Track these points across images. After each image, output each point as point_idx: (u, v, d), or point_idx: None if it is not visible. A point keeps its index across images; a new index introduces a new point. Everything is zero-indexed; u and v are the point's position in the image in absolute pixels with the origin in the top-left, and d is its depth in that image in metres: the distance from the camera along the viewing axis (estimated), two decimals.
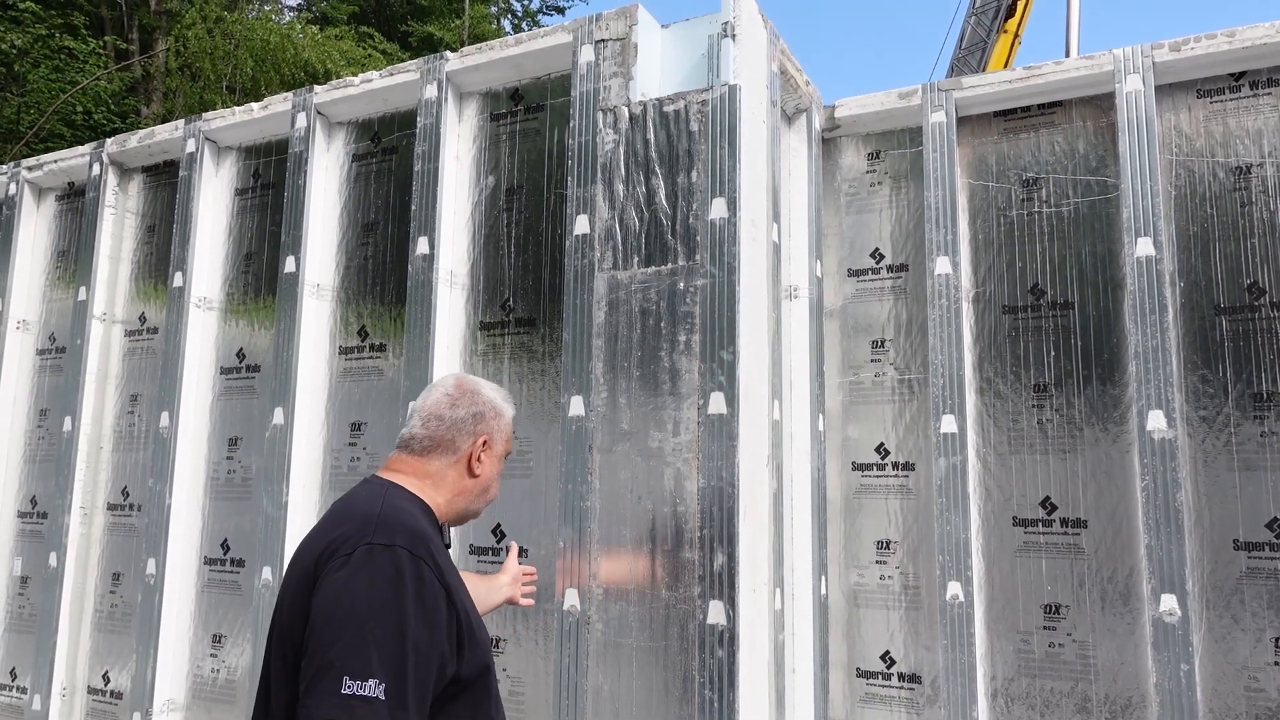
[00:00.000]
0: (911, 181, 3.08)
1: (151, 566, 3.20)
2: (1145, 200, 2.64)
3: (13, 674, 3.61)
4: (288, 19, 16.23)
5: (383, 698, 1.39)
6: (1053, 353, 2.78)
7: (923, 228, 2.95)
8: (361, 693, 1.39)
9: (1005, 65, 11.89)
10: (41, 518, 3.66)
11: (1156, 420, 2.52)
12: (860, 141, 3.20)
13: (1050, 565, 2.68)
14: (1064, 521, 2.68)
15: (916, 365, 2.97)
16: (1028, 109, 2.95)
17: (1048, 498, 2.71)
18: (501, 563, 2.29)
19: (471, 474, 1.76)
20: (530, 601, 2.19)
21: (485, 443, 1.77)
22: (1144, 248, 2.61)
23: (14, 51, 12.53)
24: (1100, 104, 2.84)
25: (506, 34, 2.73)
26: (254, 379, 3.29)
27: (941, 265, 2.86)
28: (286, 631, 1.54)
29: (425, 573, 1.51)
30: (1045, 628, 2.65)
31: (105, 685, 3.38)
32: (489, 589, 2.10)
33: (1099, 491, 2.65)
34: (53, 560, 3.45)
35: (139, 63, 14.10)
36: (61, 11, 13.47)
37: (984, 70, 11.96)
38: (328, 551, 1.54)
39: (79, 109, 12.69)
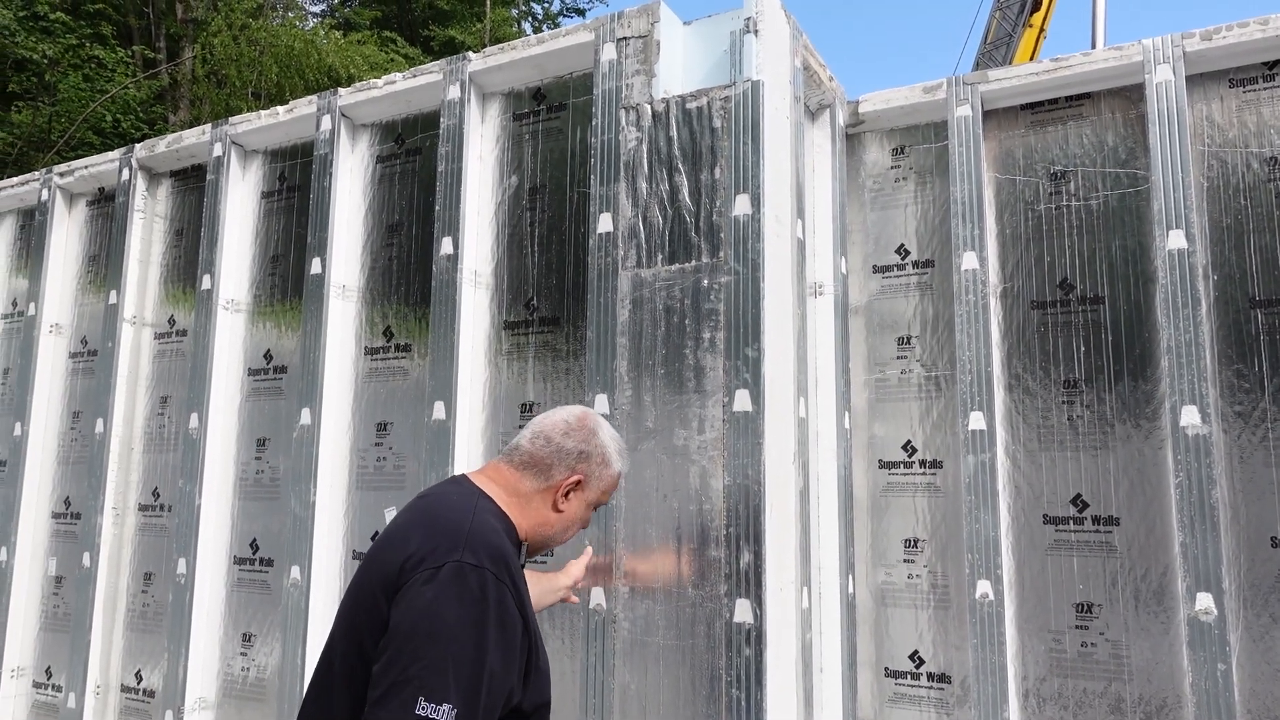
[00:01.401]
0: (937, 177, 3.05)
1: (182, 566, 3.24)
2: (1177, 192, 2.60)
3: (48, 672, 3.67)
4: (311, 25, 16.39)
5: None
6: (1083, 348, 2.74)
7: (949, 223, 2.92)
8: (435, 716, 1.39)
9: (1031, 60, 11.76)
10: (75, 518, 3.71)
11: (1190, 416, 2.47)
12: (884, 137, 3.17)
13: (1082, 563, 2.64)
14: (1096, 519, 2.64)
15: (943, 362, 2.94)
16: (1055, 102, 2.91)
17: (1079, 495, 2.67)
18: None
19: (555, 508, 1.73)
20: (576, 599, 2.21)
21: (579, 482, 1.74)
22: (1176, 240, 2.57)
23: (45, 61, 12.75)
24: (1129, 95, 2.80)
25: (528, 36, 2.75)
26: (281, 380, 3.32)
27: (968, 260, 2.83)
28: (361, 633, 1.53)
29: (508, 599, 1.51)
30: (1077, 627, 2.61)
31: (138, 683, 3.42)
32: (544, 591, 2.08)
33: (1131, 488, 2.61)
34: (86, 560, 3.50)
35: (166, 70, 14.30)
36: (90, 21, 13.70)
37: (1010, 65, 11.81)
38: (414, 560, 1.52)
39: (108, 117, 12.90)
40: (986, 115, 2.95)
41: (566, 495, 1.72)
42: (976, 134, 2.90)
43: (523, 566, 1.69)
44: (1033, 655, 2.66)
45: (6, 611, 3.68)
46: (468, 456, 2.80)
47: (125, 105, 13.27)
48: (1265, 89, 2.63)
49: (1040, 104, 2.93)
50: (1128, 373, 2.67)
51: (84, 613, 3.46)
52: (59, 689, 3.61)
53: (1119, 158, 2.79)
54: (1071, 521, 2.67)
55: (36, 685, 3.69)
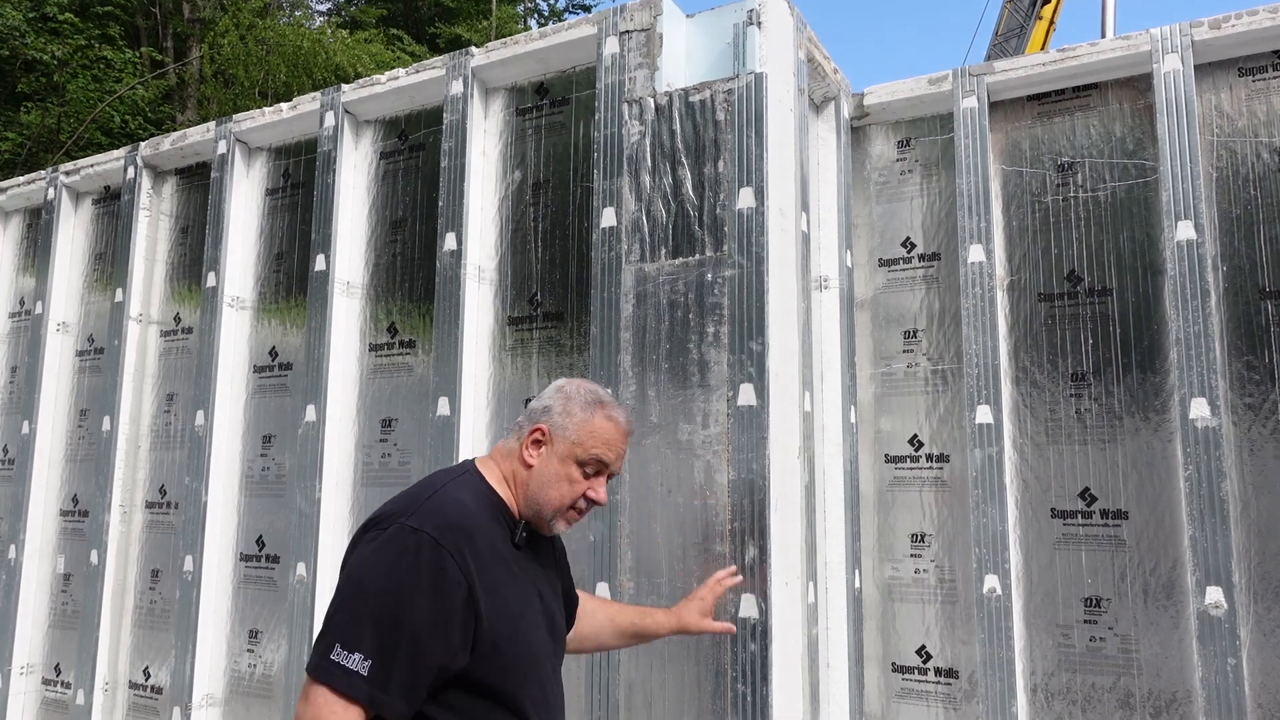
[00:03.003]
0: (943, 169, 3.03)
1: (189, 563, 3.24)
2: (1185, 183, 2.57)
3: (57, 669, 3.68)
4: (318, 24, 16.42)
5: (364, 674, 1.45)
6: (1091, 340, 2.72)
7: (955, 215, 2.90)
8: (345, 664, 1.46)
9: (1041, 51, 11.69)
10: (83, 516, 3.72)
11: (1200, 408, 2.45)
12: (890, 129, 3.15)
13: (1090, 558, 2.62)
14: (1104, 513, 2.62)
15: (950, 355, 2.92)
16: (1062, 92, 2.88)
17: (1087, 489, 2.65)
18: None
19: (526, 464, 1.73)
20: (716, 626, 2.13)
21: (542, 432, 1.73)
22: (1184, 231, 2.55)
23: (54, 62, 12.80)
24: (1137, 85, 2.77)
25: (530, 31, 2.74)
26: (286, 377, 3.32)
27: (975, 253, 2.81)
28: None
29: (448, 565, 1.52)
30: (1086, 621, 2.59)
31: (146, 680, 3.43)
32: (663, 619, 2.09)
33: (1140, 482, 2.59)
34: (94, 558, 3.51)
35: (173, 70, 14.34)
36: (99, 22, 13.75)
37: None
38: (370, 523, 1.61)
39: (116, 118, 12.94)
40: (993, 107, 2.93)
41: (533, 449, 1.73)
42: (983, 125, 2.88)
43: (519, 541, 1.70)
44: (1041, 650, 2.64)
45: (15, 609, 3.70)
46: (472, 452, 2.79)
47: (133, 105, 13.32)
48: (1275, 78, 2.60)
49: (1047, 95, 2.90)
50: (1136, 365, 2.64)
51: (92, 610, 3.47)
52: (68, 686, 3.62)
53: (1127, 148, 2.77)
54: (1080, 515, 2.65)
55: (45, 682, 3.71)
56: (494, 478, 1.74)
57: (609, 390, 2.05)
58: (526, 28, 19.45)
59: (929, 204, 3.05)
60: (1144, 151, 2.73)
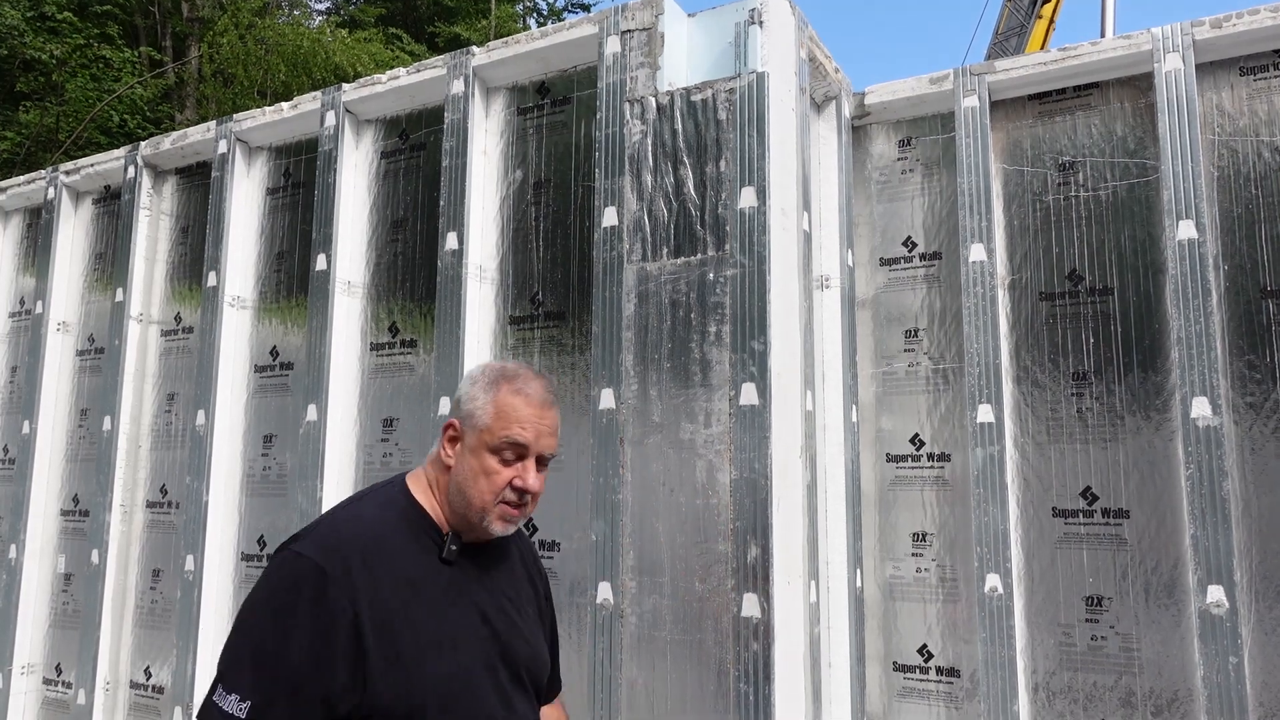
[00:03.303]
0: (944, 168, 3.03)
1: (190, 563, 3.24)
2: (1186, 182, 2.57)
3: (58, 669, 3.68)
4: (316, 23, 16.41)
5: (242, 716, 1.36)
6: (1092, 340, 2.72)
7: (956, 215, 2.90)
8: (223, 706, 1.38)
9: (1041, 50, 11.69)
10: (83, 516, 3.72)
11: (1201, 407, 2.45)
12: (891, 128, 3.15)
13: (1092, 557, 2.62)
14: (1105, 512, 2.62)
15: (951, 355, 2.92)
16: (1063, 91, 2.88)
17: (1088, 488, 2.65)
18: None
19: (445, 466, 1.58)
20: None
21: (453, 426, 1.59)
22: (1186, 230, 2.55)
23: (53, 61, 12.79)
24: (1139, 84, 2.77)
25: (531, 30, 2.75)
26: (287, 376, 3.32)
27: (976, 252, 2.81)
28: None
29: (331, 593, 1.40)
30: (1087, 620, 2.60)
31: (147, 680, 3.43)
32: None
33: (1142, 481, 2.59)
34: (95, 558, 3.51)
35: (172, 70, 14.33)
36: (97, 21, 13.74)
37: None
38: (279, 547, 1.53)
39: (115, 117, 12.93)
40: (994, 106, 2.93)
41: (449, 447, 1.58)
42: (984, 125, 2.88)
43: (448, 555, 1.55)
44: (1042, 649, 2.64)
45: (16, 609, 3.69)
46: None
47: (132, 105, 13.31)
48: (1276, 77, 2.61)
49: (1048, 94, 2.90)
50: (1138, 364, 2.64)
51: (93, 610, 3.47)
52: (69, 685, 3.62)
53: (1128, 148, 2.77)
54: (1081, 514, 2.65)
55: (46, 682, 3.71)
56: (419, 488, 1.60)
57: (527, 363, 1.79)
58: (525, 27, 19.44)
59: (930, 203, 3.05)
60: (1145, 150, 2.74)
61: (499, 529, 1.57)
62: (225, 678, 1.41)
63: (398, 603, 1.46)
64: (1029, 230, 2.86)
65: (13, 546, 3.77)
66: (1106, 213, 2.76)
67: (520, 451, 1.56)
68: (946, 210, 3.00)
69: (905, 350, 3.00)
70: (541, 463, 1.60)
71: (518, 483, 1.55)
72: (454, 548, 1.57)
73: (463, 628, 1.53)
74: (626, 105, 2.61)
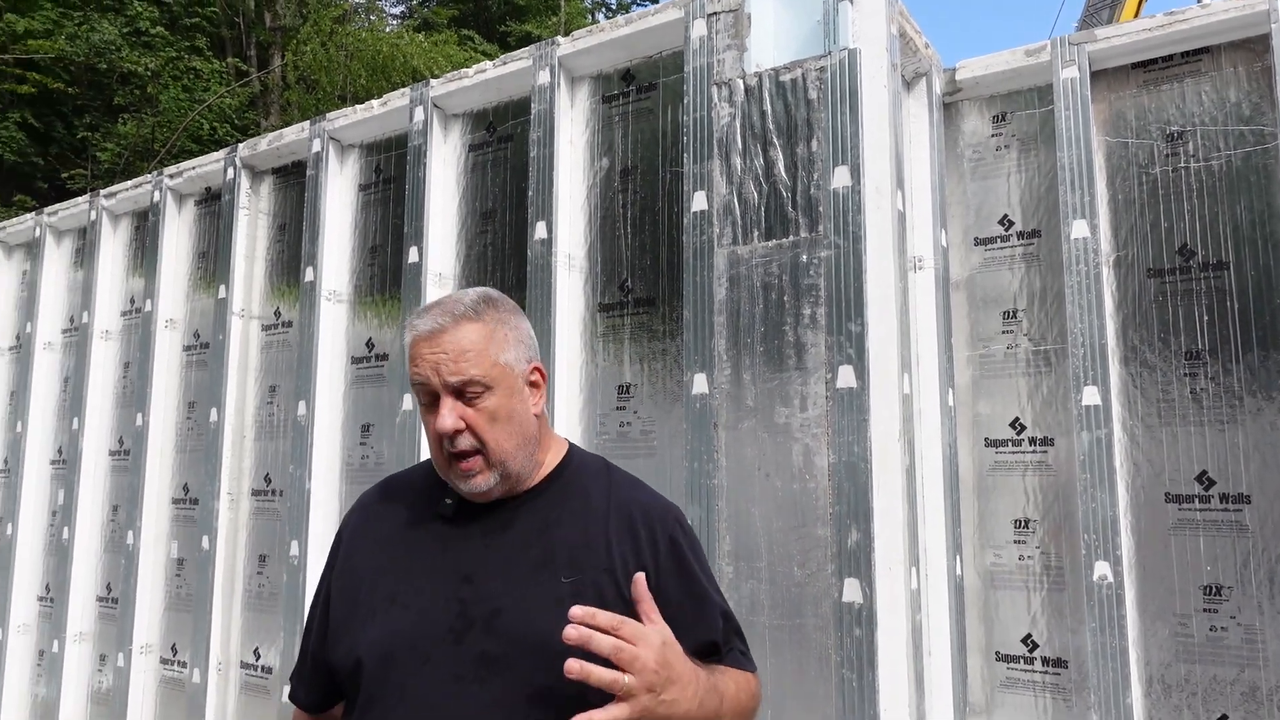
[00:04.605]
0: (1041, 143, 2.93)
1: (294, 549, 3.36)
2: None
3: (174, 649, 3.86)
4: (392, 27, 16.79)
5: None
6: (1205, 317, 2.60)
7: (1055, 191, 2.80)
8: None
9: (1135, 18, 11.19)
10: (193, 504, 3.89)
11: None
12: (984, 104, 3.06)
13: (1209, 544, 2.50)
14: (1224, 497, 2.50)
15: (1053, 336, 2.82)
16: (1170, 58, 2.75)
17: (1204, 472, 2.54)
18: None
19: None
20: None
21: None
22: None
23: (148, 74, 13.39)
24: (1254, 47, 2.63)
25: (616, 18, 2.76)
26: (383, 367, 3.41)
27: (1078, 229, 2.71)
28: None
29: (336, 539, 1.59)
30: (1205, 610, 2.48)
31: (256, 660, 3.57)
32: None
33: (1263, 464, 2.46)
34: (205, 543, 3.67)
35: (258, 78, 14.85)
36: (187, 34, 14.33)
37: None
38: None
39: (205, 125, 13.48)
40: (1094, 76, 2.82)
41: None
42: (1084, 96, 2.77)
43: (443, 510, 1.41)
44: (1156, 640, 2.54)
45: (135, 592, 3.88)
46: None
47: (221, 113, 13.85)
48: None
49: (1153, 61, 2.77)
50: (1257, 342, 2.51)
51: (204, 593, 3.62)
52: (184, 665, 3.79)
53: (1242, 114, 2.63)
54: (1197, 500, 2.53)
55: (164, 661, 3.89)
56: None
57: (445, 298, 1.41)
58: (594, 21, 19.52)
59: (1027, 180, 2.95)
60: (1262, 117, 2.59)
61: (464, 487, 1.36)
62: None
63: (367, 554, 1.45)
64: (1135, 204, 2.74)
65: (130, 533, 3.96)
66: (1220, 184, 2.63)
67: (430, 396, 1.34)
68: (1045, 186, 2.90)
69: (1004, 332, 2.91)
70: (462, 395, 1.32)
71: (435, 428, 1.34)
72: (449, 501, 1.40)
73: (423, 590, 1.35)
74: (714, 89, 2.59)
